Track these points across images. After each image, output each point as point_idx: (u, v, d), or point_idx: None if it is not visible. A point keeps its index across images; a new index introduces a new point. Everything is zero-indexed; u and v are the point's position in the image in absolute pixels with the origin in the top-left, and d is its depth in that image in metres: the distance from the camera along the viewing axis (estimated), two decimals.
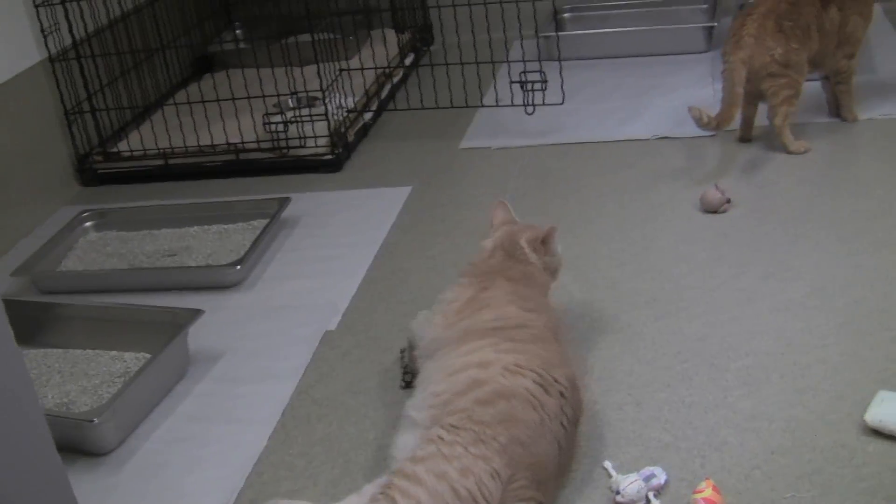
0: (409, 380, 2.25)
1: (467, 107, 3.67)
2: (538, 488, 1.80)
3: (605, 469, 1.97)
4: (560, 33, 3.64)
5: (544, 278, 2.24)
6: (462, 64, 3.57)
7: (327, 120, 3.48)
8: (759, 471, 1.93)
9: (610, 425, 2.10)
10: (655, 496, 1.88)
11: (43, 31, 3.47)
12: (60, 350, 2.62)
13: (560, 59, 3.44)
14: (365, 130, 3.76)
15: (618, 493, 1.87)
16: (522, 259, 2.22)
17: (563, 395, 1.91)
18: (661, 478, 1.91)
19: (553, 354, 1.99)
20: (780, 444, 1.99)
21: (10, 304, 2.66)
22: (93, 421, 2.17)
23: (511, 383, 1.88)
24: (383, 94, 3.94)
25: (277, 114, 3.51)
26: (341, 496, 1.96)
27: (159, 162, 3.62)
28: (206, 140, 3.58)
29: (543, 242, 2.24)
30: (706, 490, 1.83)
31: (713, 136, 3.32)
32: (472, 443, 1.78)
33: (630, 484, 1.87)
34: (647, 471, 1.91)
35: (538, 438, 1.83)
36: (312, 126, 3.47)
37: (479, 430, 1.80)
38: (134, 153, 3.64)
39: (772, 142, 3.22)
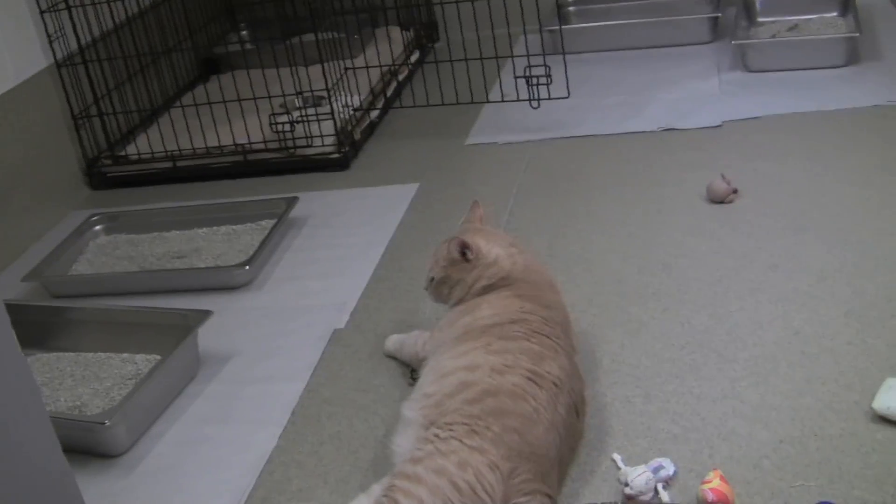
0: (416, 377, 2.26)
1: (473, 103, 3.67)
2: (542, 480, 1.81)
3: (614, 461, 1.98)
4: (564, 27, 3.64)
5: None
6: (467, 60, 3.58)
7: (333, 119, 3.49)
8: (768, 460, 1.93)
9: (618, 417, 2.11)
10: (664, 487, 1.88)
11: (49, 36, 3.49)
12: (72, 353, 2.63)
13: (564, 53, 3.44)
14: (371, 128, 3.77)
15: (626, 485, 1.88)
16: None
17: (555, 385, 1.93)
18: (669, 469, 1.91)
19: (547, 348, 1.99)
20: (788, 433, 1.99)
21: (22, 309, 2.70)
22: (104, 423, 2.18)
23: (498, 381, 1.90)
24: (389, 92, 3.95)
25: (284, 114, 3.52)
26: (351, 493, 1.98)
27: (167, 164, 3.63)
28: (213, 142, 3.60)
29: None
30: (714, 481, 1.83)
31: (719, 126, 3.32)
32: (467, 435, 1.80)
33: (639, 476, 1.88)
34: (655, 462, 1.92)
35: (533, 426, 1.84)
36: (319, 125, 3.48)
37: (472, 423, 1.82)
38: (142, 156, 3.65)
39: (778, 132, 3.22)
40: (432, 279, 2.24)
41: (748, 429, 2.02)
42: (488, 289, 2.15)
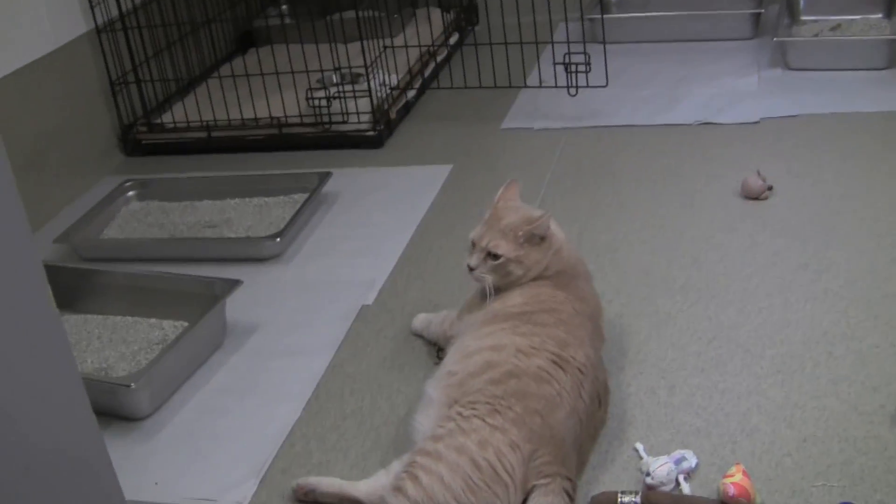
0: (442, 356, 2.26)
1: (510, 87, 3.67)
2: (562, 464, 1.82)
3: (637, 451, 1.98)
4: (605, 16, 3.63)
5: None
6: (506, 44, 3.57)
7: (370, 96, 3.49)
8: (790, 458, 1.93)
9: (642, 408, 2.11)
10: (685, 479, 1.88)
11: (90, 1, 3.50)
12: (100, 316, 2.65)
13: (604, 42, 3.43)
14: (407, 108, 3.77)
15: (648, 474, 1.88)
16: None
17: (580, 371, 1.93)
18: (691, 461, 1.91)
19: (574, 337, 1.99)
20: (811, 432, 1.98)
21: (53, 270, 2.69)
22: (129, 386, 2.20)
23: (523, 364, 1.90)
24: (427, 73, 3.95)
25: (321, 89, 3.52)
26: (371, 469, 1.98)
27: (202, 134, 3.64)
28: (249, 114, 3.61)
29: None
30: (736, 475, 1.83)
31: (756, 123, 3.31)
32: (489, 414, 1.81)
33: (660, 466, 1.88)
34: (677, 454, 1.92)
35: (555, 409, 1.85)
36: (355, 102, 3.48)
37: (494, 402, 1.82)
38: (177, 125, 3.67)
39: (815, 131, 3.20)
40: (497, 256, 2.08)
41: (771, 426, 2.01)
42: (538, 278, 2.11)
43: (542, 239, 2.10)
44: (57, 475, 1.39)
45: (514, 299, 2.09)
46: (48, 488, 1.37)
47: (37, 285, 1.34)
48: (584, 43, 3.41)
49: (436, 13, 4.32)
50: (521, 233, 2.08)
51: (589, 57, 3.39)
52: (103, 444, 1.50)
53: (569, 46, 3.41)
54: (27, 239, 1.32)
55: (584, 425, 1.91)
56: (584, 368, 1.94)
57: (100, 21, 3.54)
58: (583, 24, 3.66)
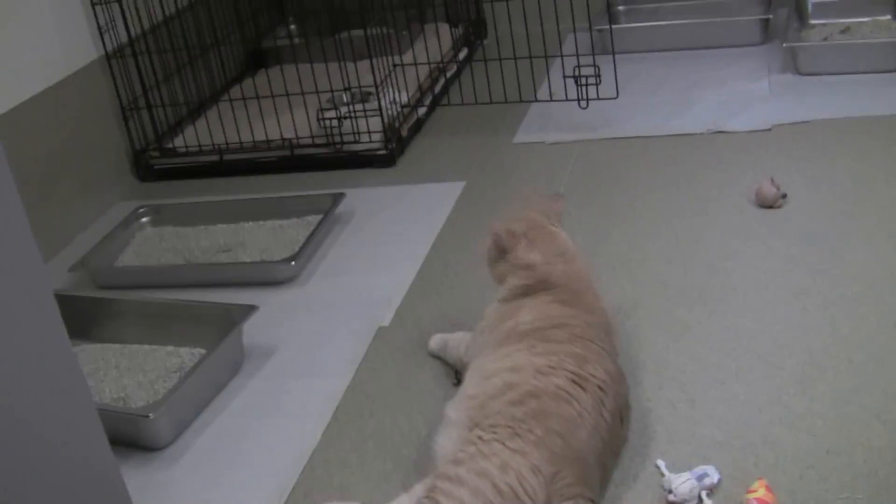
0: (460, 378, 2.25)
1: (521, 101, 3.66)
2: (585, 484, 1.81)
3: (658, 467, 1.96)
4: (614, 26, 3.62)
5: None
6: (515, 58, 3.56)
7: (381, 115, 3.49)
8: (813, 470, 1.91)
9: (662, 422, 2.09)
10: (708, 495, 1.87)
11: (100, 28, 3.51)
12: (118, 345, 2.65)
13: (614, 54, 3.42)
14: (418, 125, 3.77)
15: (670, 492, 1.86)
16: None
17: (600, 388, 1.92)
18: (713, 477, 1.90)
19: (591, 352, 1.98)
20: (834, 443, 1.97)
21: (69, 300, 2.72)
22: (148, 416, 2.19)
23: (542, 384, 1.89)
24: (437, 89, 3.94)
25: (331, 109, 3.52)
26: (393, 492, 1.97)
27: (214, 158, 3.65)
28: (260, 136, 3.61)
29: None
30: (759, 490, 1.82)
31: (768, 130, 3.29)
32: (509, 437, 1.80)
33: (683, 483, 1.86)
34: (699, 470, 1.90)
35: (576, 429, 1.84)
36: (366, 121, 3.48)
37: (515, 425, 1.82)
38: (189, 149, 3.67)
39: (828, 136, 3.19)
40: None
41: (794, 437, 2.00)
42: (528, 290, 2.13)
43: (499, 252, 2.18)
44: None
45: (525, 316, 2.09)
46: None
47: (49, 317, 1.34)
48: (594, 55, 3.40)
49: (444, 28, 4.32)
50: (490, 242, 2.19)
51: (599, 69, 3.38)
52: (120, 475, 1.50)
53: (578, 59, 3.40)
54: (40, 270, 1.32)
55: (606, 443, 1.90)
56: (605, 385, 1.93)
57: (109, 47, 3.55)
58: (591, 36, 3.65)
